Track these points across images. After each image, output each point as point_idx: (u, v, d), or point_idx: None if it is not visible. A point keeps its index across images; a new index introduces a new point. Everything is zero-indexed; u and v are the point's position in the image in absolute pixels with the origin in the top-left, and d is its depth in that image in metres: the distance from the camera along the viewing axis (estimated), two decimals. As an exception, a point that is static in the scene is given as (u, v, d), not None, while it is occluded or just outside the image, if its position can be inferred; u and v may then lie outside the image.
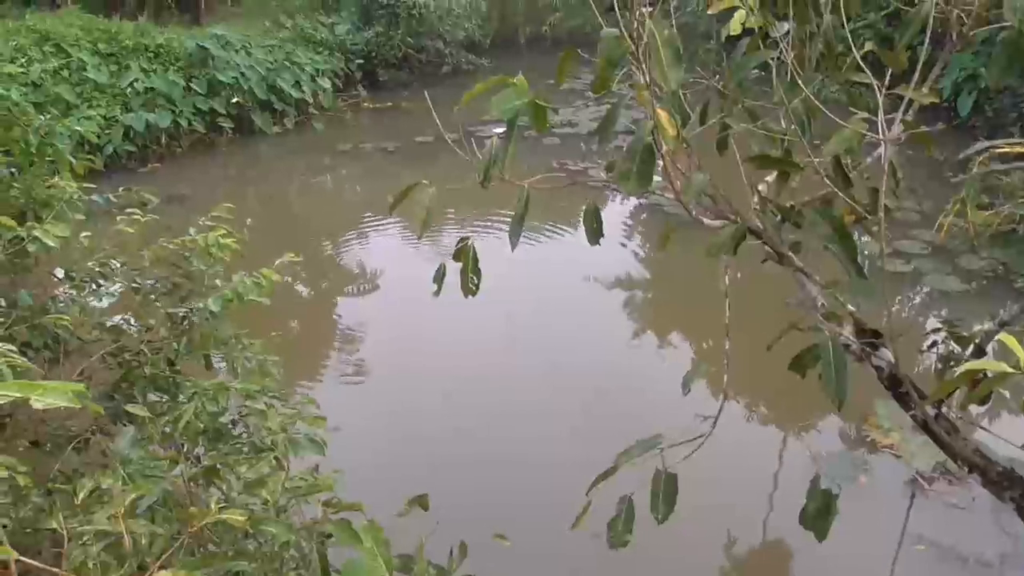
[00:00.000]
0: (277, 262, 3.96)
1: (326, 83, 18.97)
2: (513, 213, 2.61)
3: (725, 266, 3.06)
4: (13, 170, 4.31)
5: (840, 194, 2.48)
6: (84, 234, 4.17)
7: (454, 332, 8.86)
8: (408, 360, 8.50)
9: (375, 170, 15.54)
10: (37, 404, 1.44)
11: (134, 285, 4.01)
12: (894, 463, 6.60)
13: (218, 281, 3.82)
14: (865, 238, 9.47)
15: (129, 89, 15.32)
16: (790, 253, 2.67)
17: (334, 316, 9.99)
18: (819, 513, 2.40)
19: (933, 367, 2.77)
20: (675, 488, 2.41)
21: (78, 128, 4.37)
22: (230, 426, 3.17)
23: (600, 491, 2.44)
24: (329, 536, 2.47)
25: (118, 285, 4.14)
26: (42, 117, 4.25)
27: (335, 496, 2.66)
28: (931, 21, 2.56)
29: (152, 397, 3.57)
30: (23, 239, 3.53)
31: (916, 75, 2.67)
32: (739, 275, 8.73)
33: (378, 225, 12.91)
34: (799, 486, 2.68)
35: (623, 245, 11.81)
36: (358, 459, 6.07)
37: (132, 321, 3.99)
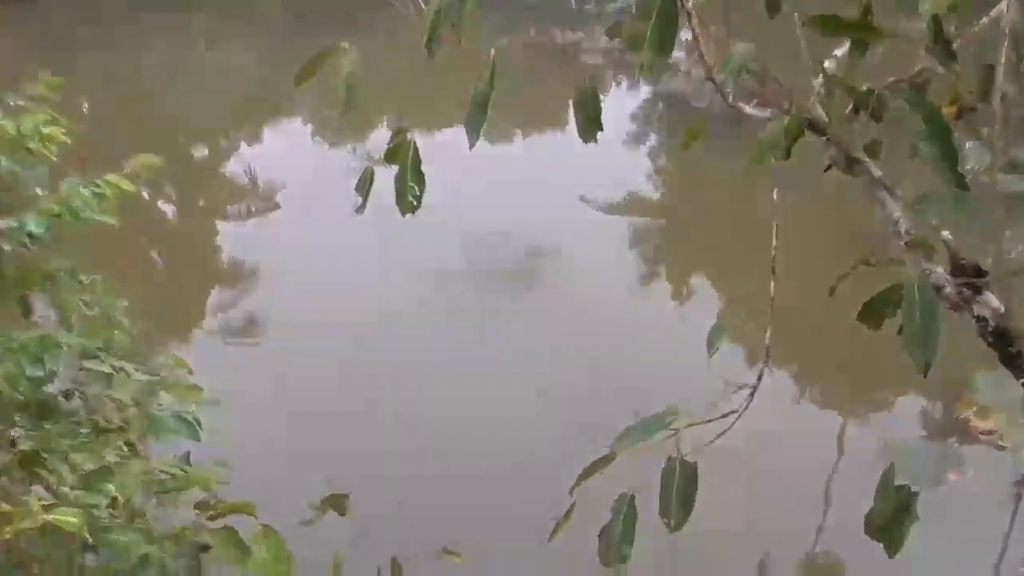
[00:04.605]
0: (128, 166, 3.88)
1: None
2: (472, 96, 2.57)
3: (774, 177, 3.07)
4: None
5: (939, 74, 2.47)
6: None
7: (384, 269, 8.85)
8: (319, 310, 8.47)
9: (277, 40, 15.24)
10: None
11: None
12: (995, 456, 6.76)
13: (40, 190, 3.75)
14: (970, 142, 9.54)
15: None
16: (865, 157, 2.67)
17: (215, 247, 9.95)
18: (892, 519, 2.43)
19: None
20: (694, 484, 2.42)
21: None
22: (61, 398, 3.15)
23: (589, 489, 2.46)
24: (206, 548, 2.48)
25: None
26: None
27: (214, 495, 2.66)
28: None
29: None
30: None
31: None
32: (791, 193, 8.77)
33: (278, 117, 12.67)
34: (865, 484, 2.73)
35: (629, 149, 11.79)
36: (249, 444, 6.08)
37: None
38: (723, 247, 9.64)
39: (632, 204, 10.59)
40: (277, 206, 10.69)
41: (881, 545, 2.49)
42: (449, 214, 8.07)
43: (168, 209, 10.48)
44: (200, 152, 12.13)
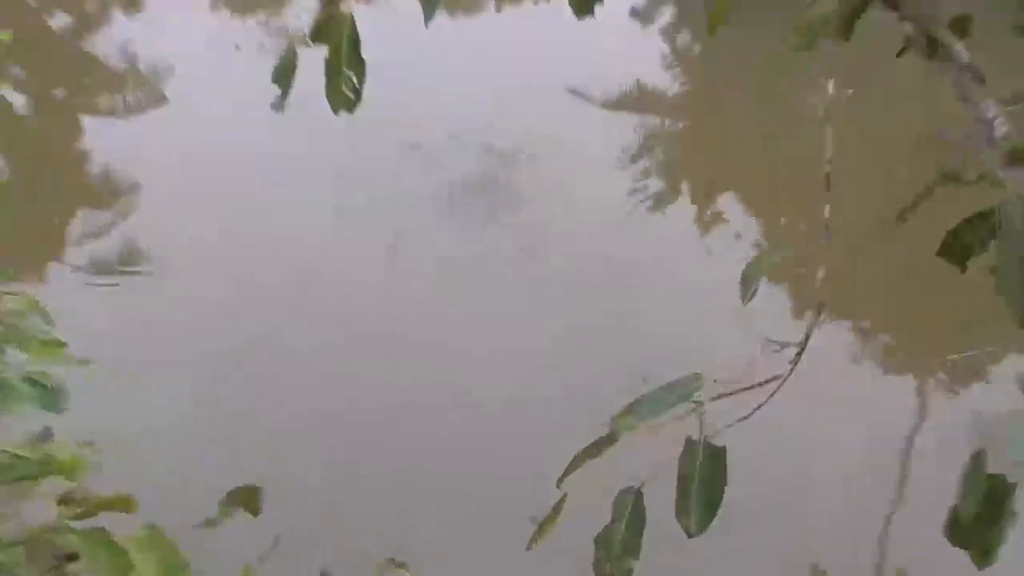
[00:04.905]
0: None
1: None
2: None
3: (829, 65, 3.04)
4: None
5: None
6: None
7: (310, 184, 8.87)
8: (221, 239, 8.49)
9: None
10: None
11: None
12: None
13: None
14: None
15: None
16: (950, 37, 2.65)
17: (81, 153, 9.89)
18: (982, 517, 2.44)
19: None
20: (722, 473, 2.42)
21: None
22: None
23: (583, 479, 2.45)
24: (72, 558, 2.47)
25: None
26: None
27: (82, 486, 2.65)
28: None
29: None
30: None
31: None
32: (851, 86, 8.72)
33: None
34: (946, 471, 2.73)
35: (638, 25, 11.76)
36: (129, 418, 6.07)
37: None
38: (761, 158, 9.63)
39: (640, 99, 10.55)
40: (164, 99, 10.56)
41: (966, 553, 2.51)
42: (397, 111, 8.02)
43: (18, 100, 10.31)
44: (59, 23, 11.92)
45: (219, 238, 8.51)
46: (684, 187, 9.51)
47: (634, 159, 9.71)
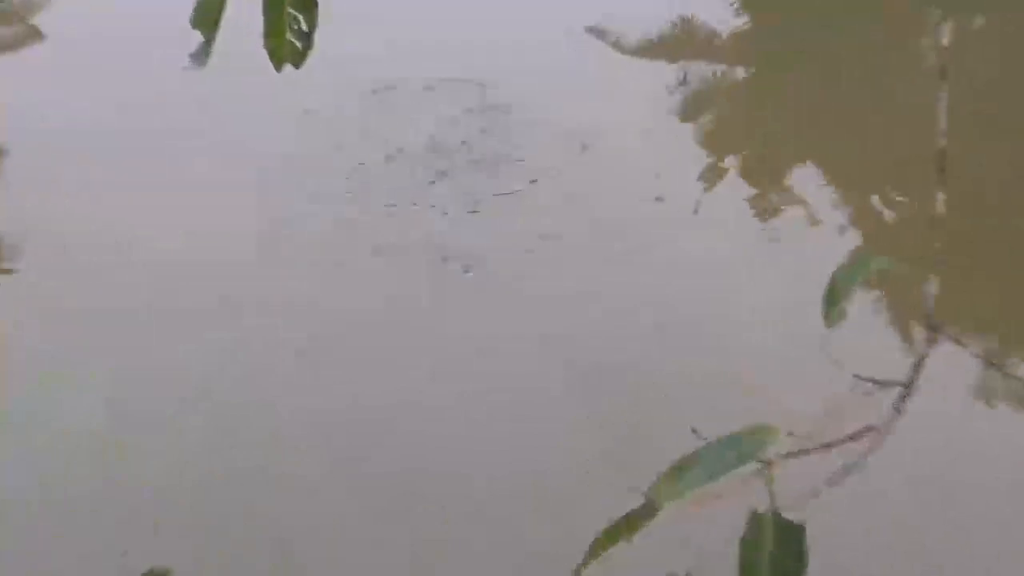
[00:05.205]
0: None
1: None
2: None
3: (944, 15, 3.08)
4: None
5: None
6: None
7: (237, 158, 8.95)
8: (121, 225, 8.56)
9: None
10: None
11: None
12: None
13: None
14: None
15: None
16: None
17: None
18: None
19: None
20: (799, 560, 2.43)
21: None
22: None
23: (610, 563, 2.47)
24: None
25: None
26: None
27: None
28: None
29: None
30: None
31: None
32: (973, 27, 8.74)
33: None
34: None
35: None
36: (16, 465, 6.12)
37: None
38: (849, 123, 9.65)
39: (684, 40, 10.62)
40: (38, 34, 10.63)
41: None
42: (360, 62, 8.10)
43: None
44: None
45: (115, 224, 8.55)
46: (742, 160, 9.51)
47: (675, 119, 9.77)
